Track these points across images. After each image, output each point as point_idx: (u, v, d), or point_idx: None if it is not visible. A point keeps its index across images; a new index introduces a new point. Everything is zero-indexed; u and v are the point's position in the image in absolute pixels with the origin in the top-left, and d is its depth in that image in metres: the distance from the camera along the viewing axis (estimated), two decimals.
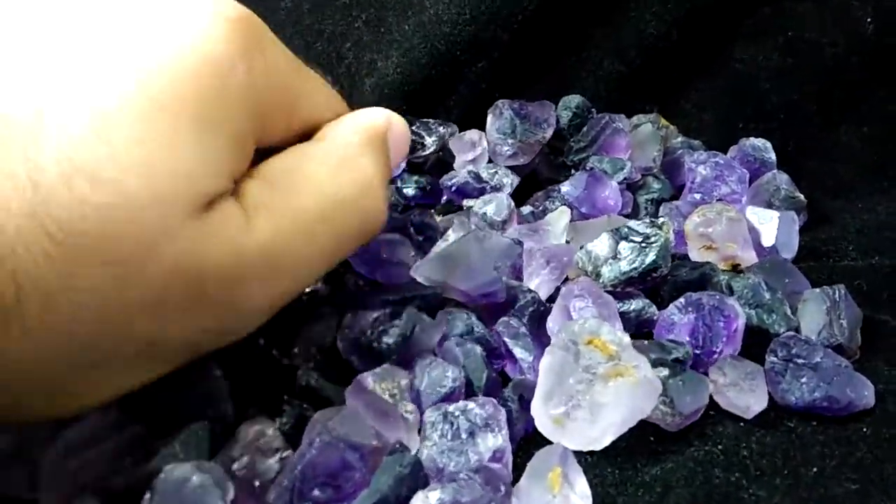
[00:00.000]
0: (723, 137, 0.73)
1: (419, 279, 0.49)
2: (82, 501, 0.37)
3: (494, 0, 0.71)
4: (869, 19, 0.70)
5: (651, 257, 0.50)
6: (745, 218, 0.58)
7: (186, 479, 0.37)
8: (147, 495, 0.36)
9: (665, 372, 0.44)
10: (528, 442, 0.44)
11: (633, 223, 0.52)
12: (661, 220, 0.53)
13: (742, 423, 0.45)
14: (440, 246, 0.53)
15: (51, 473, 0.39)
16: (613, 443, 0.42)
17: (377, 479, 0.38)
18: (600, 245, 0.52)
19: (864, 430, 0.43)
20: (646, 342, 0.47)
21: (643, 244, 0.51)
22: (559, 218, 0.62)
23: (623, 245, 0.51)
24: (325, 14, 0.75)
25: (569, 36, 0.75)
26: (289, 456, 0.40)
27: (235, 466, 0.39)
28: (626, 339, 0.42)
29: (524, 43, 0.74)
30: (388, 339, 0.44)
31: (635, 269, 0.50)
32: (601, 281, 0.50)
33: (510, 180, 0.69)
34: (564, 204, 0.65)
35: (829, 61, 0.72)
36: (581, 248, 0.53)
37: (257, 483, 0.39)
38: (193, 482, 0.37)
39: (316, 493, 0.37)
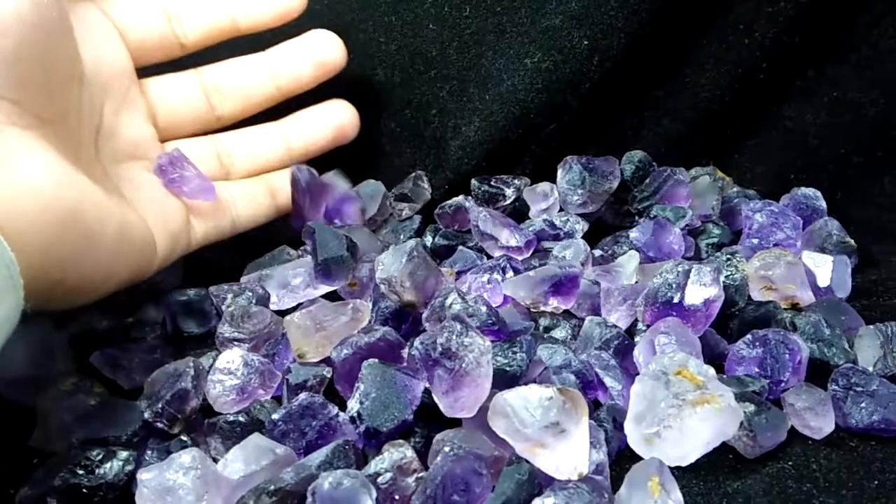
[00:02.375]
0: (775, 188, 0.80)
1: None
2: None
3: (565, 71, 0.80)
4: None
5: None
6: (801, 261, 0.65)
7: (339, 482, 0.44)
8: (308, 498, 0.44)
9: (751, 408, 0.50)
10: (620, 458, 0.51)
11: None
12: (737, 255, 0.59)
13: (810, 443, 0.51)
14: None
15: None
16: (697, 460, 0.49)
17: (500, 484, 0.45)
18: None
19: None
20: (724, 376, 0.54)
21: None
22: (629, 261, 0.70)
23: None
24: (413, 85, 0.84)
25: (630, 99, 0.83)
26: (424, 476, 0.47)
27: (380, 480, 0.47)
28: (711, 371, 0.49)
29: (590, 106, 0.82)
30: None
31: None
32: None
33: (581, 226, 0.77)
34: (632, 248, 0.72)
35: (870, 118, 0.79)
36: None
37: (397, 496, 0.47)
38: (345, 485, 0.44)
39: (455, 497, 0.45)
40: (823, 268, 0.65)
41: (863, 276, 0.71)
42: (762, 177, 0.83)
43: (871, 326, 0.57)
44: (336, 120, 0.79)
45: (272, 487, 0.46)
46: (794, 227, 0.71)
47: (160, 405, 0.53)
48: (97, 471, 0.51)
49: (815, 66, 0.80)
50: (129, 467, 0.51)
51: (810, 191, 0.76)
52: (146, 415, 0.54)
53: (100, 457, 0.51)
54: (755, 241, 0.71)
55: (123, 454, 0.52)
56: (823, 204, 0.75)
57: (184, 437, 0.54)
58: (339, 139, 0.79)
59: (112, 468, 0.51)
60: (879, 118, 0.78)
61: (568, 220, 0.78)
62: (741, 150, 0.84)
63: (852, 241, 0.71)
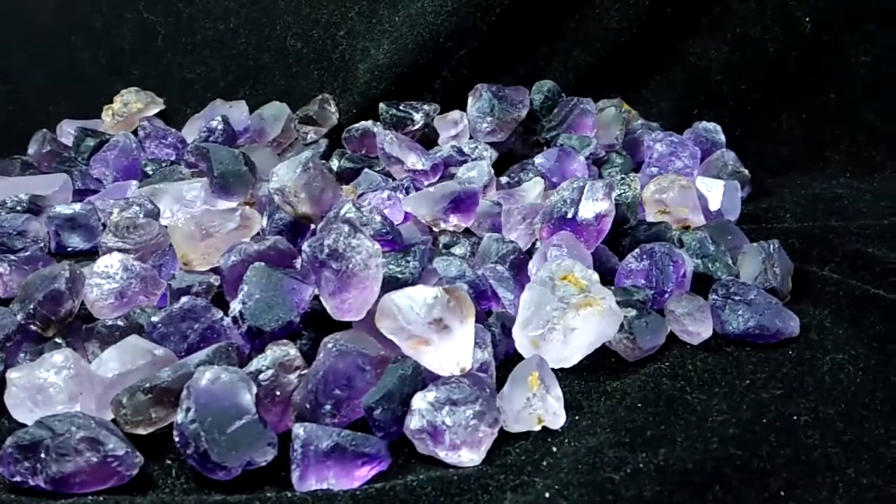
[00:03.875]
0: (679, 123, 0.81)
1: None
2: None
3: None
4: (807, 18, 0.80)
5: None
6: (694, 186, 0.66)
7: (217, 377, 0.43)
8: (184, 392, 0.43)
9: (633, 312, 0.51)
10: (508, 363, 0.52)
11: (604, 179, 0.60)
12: (630, 176, 0.60)
13: (688, 347, 0.53)
14: None
15: None
16: (580, 362, 0.50)
17: (383, 379, 0.45)
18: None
19: (790, 352, 0.52)
20: (611, 287, 0.55)
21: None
22: (534, 186, 0.70)
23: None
24: (321, 4, 0.82)
25: (541, 28, 0.83)
26: (306, 373, 0.46)
27: (261, 377, 0.46)
28: (595, 276, 0.50)
29: (501, 33, 0.82)
30: None
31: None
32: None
33: (489, 154, 0.77)
34: (538, 175, 0.72)
35: (770, 55, 0.81)
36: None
37: (279, 393, 0.46)
38: (223, 379, 0.43)
39: (336, 391, 0.45)
40: (715, 192, 0.66)
41: (755, 205, 0.73)
42: (667, 112, 0.84)
43: (755, 244, 0.59)
44: None
45: (147, 385, 0.45)
46: (691, 157, 0.72)
47: (32, 306, 0.51)
48: None
49: (720, 2, 0.82)
50: None
51: (710, 125, 0.78)
52: (18, 317, 0.51)
53: None
54: (654, 169, 0.73)
55: None
56: (723, 137, 0.77)
57: (58, 341, 0.51)
58: None
59: None
60: (779, 55, 0.81)
61: (476, 147, 0.77)
62: (647, 85, 0.85)
63: (746, 172, 0.73)
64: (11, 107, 0.89)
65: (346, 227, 0.50)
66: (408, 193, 0.68)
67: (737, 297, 0.54)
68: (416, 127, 0.79)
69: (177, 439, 0.42)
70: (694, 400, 0.47)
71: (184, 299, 0.51)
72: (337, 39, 0.83)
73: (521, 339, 0.51)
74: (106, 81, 0.88)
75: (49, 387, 0.47)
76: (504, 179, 0.74)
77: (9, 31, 0.89)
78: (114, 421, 0.45)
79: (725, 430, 0.43)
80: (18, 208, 0.68)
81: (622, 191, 0.61)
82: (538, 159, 0.72)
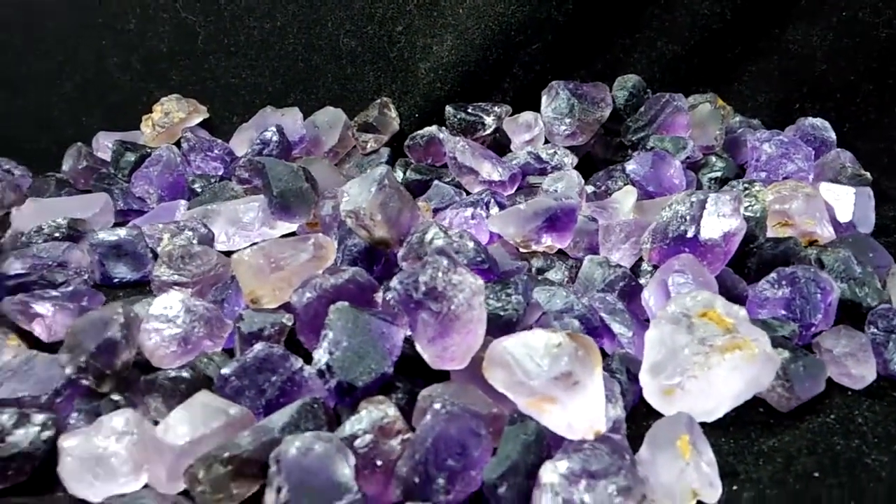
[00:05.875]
0: (778, 119, 0.73)
1: None
2: None
3: None
4: None
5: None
6: (820, 194, 0.58)
7: (310, 447, 0.36)
8: (272, 468, 0.36)
9: (786, 355, 0.43)
10: (633, 415, 0.44)
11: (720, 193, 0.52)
12: (756, 185, 0.53)
13: (849, 393, 0.45)
14: None
15: None
16: (723, 416, 0.42)
17: (503, 446, 0.38)
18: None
19: None
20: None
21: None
22: (626, 196, 0.62)
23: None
24: None
25: (622, 17, 0.75)
26: (411, 439, 0.39)
27: (357, 443, 0.39)
28: (743, 312, 0.42)
29: (578, 24, 0.74)
30: None
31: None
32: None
33: (570, 160, 0.70)
34: (629, 183, 0.65)
35: (882, 41, 0.72)
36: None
37: (379, 462, 0.39)
38: (317, 450, 0.36)
39: (449, 462, 0.37)
40: (844, 200, 0.58)
41: (878, 211, 0.65)
42: (764, 106, 0.76)
43: None
44: None
45: (226, 455, 0.38)
46: (805, 159, 0.64)
47: (84, 359, 0.44)
48: (8, 438, 0.42)
49: None
50: (47, 433, 0.43)
51: (818, 121, 0.70)
52: (68, 370, 0.44)
53: (11, 422, 0.43)
54: (763, 174, 0.65)
55: (40, 418, 0.43)
56: (833, 135, 0.69)
57: (115, 397, 0.45)
58: None
59: (27, 435, 0.43)
60: (892, 41, 0.72)
61: (555, 152, 0.70)
62: (741, 77, 0.76)
63: (868, 174, 0.65)
64: (39, 118, 0.83)
65: (445, 261, 0.43)
66: (490, 209, 0.60)
67: None
68: (488, 132, 0.72)
69: None
70: (875, 464, 0.39)
71: (257, 347, 0.44)
72: (395, 36, 0.76)
73: (653, 388, 0.43)
74: (142, 88, 0.81)
75: (110, 457, 0.41)
76: (589, 189, 0.67)
77: (31, 36, 0.83)
78: (185, 493, 0.39)
79: None
80: (57, 235, 0.61)
81: (749, 203, 0.53)
82: (630, 165, 0.65)
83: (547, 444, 0.39)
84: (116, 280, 0.59)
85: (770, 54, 0.75)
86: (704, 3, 0.74)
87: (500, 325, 0.46)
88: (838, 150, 0.66)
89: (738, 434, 0.42)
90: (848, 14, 0.73)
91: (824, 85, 0.74)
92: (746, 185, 0.55)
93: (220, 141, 0.75)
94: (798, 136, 0.69)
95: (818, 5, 0.74)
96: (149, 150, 0.73)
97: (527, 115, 0.73)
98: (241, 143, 0.75)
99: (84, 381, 0.45)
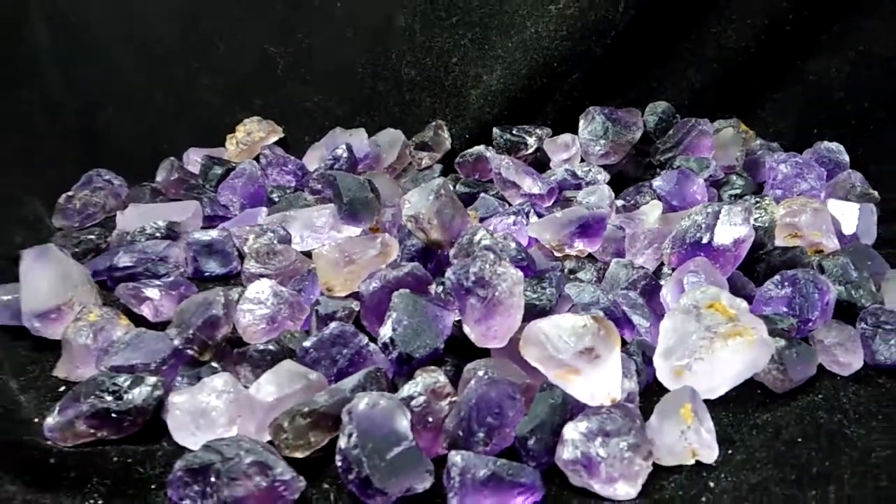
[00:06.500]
0: (797, 143, 0.80)
1: None
2: None
3: (589, 18, 0.79)
4: None
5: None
6: (827, 209, 0.65)
7: (376, 402, 0.44)
8: (345, 417, 0.44)
9: (782, 343, 0.50)
10: (647, 392, 0.51)
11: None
12: (766, 199, 0.59)
13: (838, 378, 0.51)
14: None
15: None
16: (725, 394, 0.49)
17: (534, 408, 0.46)
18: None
19: None
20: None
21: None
22: (652, 210, 0.70)
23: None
24: (434, 33, 0.84)
25: (655, 49, 0.83)
26: (457, 400, 0.47)
27: (413, 403, 0.47)
28: (744, 304, 0.49)
29: (614, 56, 0.82)
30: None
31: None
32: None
33: (603, 177, 0.77)
34: (655, 198, 0.72)
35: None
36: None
37: (431, 419, 0.47)
38: (382, 405, 0.44)
39: (489, 419, 0.45)
40: (849, 215, 0.65)
41: (886, 227, 0.71)
42: (785, 131, 0.83)
43: None
44: None
45: (306, 409, 0.46)
46: (818, 178, 0.71)
47: (191, 331, 0.53)
48: (125, 396, 0.50)
49: (841, 20, 0.80)
50: (157, 392, 0.51)
51: (833, 144, 0.76)
52: (176, 342, 0.54)
53: (127, 382, 0.51)
54: (779, 191, 0.71)
55: (152, 380, 0.51)
56: (846, 157, 0.75)
57: (214, 365, 0.54)
58: None
59: (140, 393, 0.50)
60: None
61: (590, 170, 0.78)
62: (764, 105, 0.83)
63: (876, 193, 0.71)
64: (137, 132, 0.92)
65: (492, 255, 0.51)
66: (529, 218, 0.68)
67: (888, 326, 0.52)
68: (530, 151, 0.80)
69: (339, 464, 0.43)
70: (853, 434, 0.45)
71: (333, 325, 0.52)
72: (450, 66, 0.84)
73: (664, 369, 0.50)
74: (227, 110, 0.91)
75: (211, 410, 0.49)
76: (619, 203, 0.74)
77: (135, 56, 0.92)
78: (271, 444, 0.47)
79: (892, 467, 0.42)
80: (157, 235, 0.71)
81: (759, 214, 0.60)
82: (657, 182, 0.72)
83: (571, 409, 0.46)
84: (207, 274, 0.69)
85: (791, 84, 0.82)
86: (731, 38, 0.81)
87: (535, 314, 0.54)
88: (850, 171, 0.73)
89: (736, 409, 0.49)
90: (864, 48, 0.80)
91: (841, 112, 0.80)
92: (757, 199, 0.62)
93: (293, 157, 0.85)
94: (814, 158, 0.75)
95: (837, 40, 0.80)
96: (233, 165, 0.83)
97: (565, 137, 0.80)
98: (312, 159, 0.85)
99: (189, 351, 0.54)
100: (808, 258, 0.60)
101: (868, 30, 0.79)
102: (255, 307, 0.55)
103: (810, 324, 0.54)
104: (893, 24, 0.78)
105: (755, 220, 0.60)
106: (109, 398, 0.50)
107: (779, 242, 0.65)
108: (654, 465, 0.44)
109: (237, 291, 0.59)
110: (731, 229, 0.57)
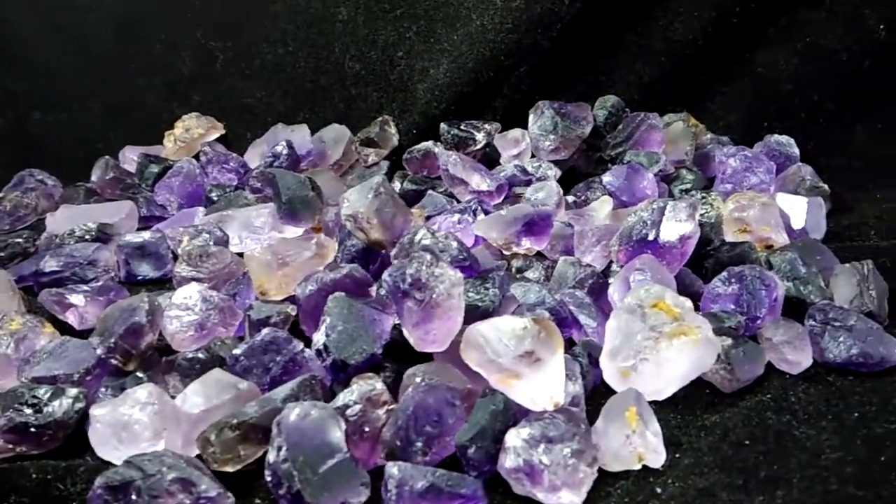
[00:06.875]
0: (747, 136, 0.79)
1: None
2: None
3: (535, 11, 0.77)
4: (882, 26, 0.77)
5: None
6: (776, 203, 0.64)
7: (307, 413, 0.42)
8: (274, 429, 0.42)
9: (728, 341, 0.49)
10: (595, 395, 0.50)
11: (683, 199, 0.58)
12: (712, 194, 0.58)
13: (787, 377, 0.50)
14: None
15: None
16: (673, 395, 0.48)
17: (474, 415, 0.44)
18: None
19: None
20: (700, 314, 0.53)
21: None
22: (602, 206, 0.68)
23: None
24: (378, 25, 0.81)
25: (603, 42, 0.82)
26: (395, 409, 0.45)
27: (349, 412, 0.45)
28: (689, 303, 0.48)
29: (562, 49, 0.80)
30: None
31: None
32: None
33: (553, 172, 0.75)
34: (606, 193, 0.71)
35: (843, 64, 0.78)
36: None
37: (367, 429, 0.45)
38: (313, 415, 0.42)
39: (427, 428, 0.43)
40: (798, 209, 0.64)
41: (835, 220, 0.70)
42: (734, 125, 0.82)
43: (847, 265, 0.56)
44: None
45: (235, 421, 0.44)
46: (767, 172, 0.70)
47: (113, 340, 0.50)
48: (45, 409, 0.48)
49: (788, 12, 0.79)
50: (79, 405, 0.48)
51: (783, 138, 0.75)
52: (98, 351, 0.51)
53: (48, 395, 0.48)
54: (729, 186, 0.70)
55: (73, 391, 0.49)
56: (797, 151, 0.75)
57: (139, 375, 0.51)
58: None
59: (61, 406, 0.48)
60: (853, 64, 0.78)
61: (540, 165, 0.76)
62: (713, 98, 0.83)
63: (826, 187, 0.70)
64: (72, 133, 0.90)
65: (428, 256, 0.49)
66: (476, 216, 0.66)
67: (836, 324, 0.51)
68: (479, 147, 0.78)
69: (269, 479, 0.41)
70: (802, 435, 0.44)
71: (265, 331, 0.50)
72: (395, 60, 0.82)
73: (610, 370, 0.49)
74: (165, 107, 0.88)
75: (134, 423, 0.46)
76: (570, 199, 0.73)
77: (68, 58, 0.90)
78: (199, 457, 0.45)
79: (842, 469, 0.41)
80: (87, 237, 0.68)
81: (705, 210, 0.59)
82: (606, 177, 0.71)
83: (513, 414, 0.45)
84: (140, 277, 0.65)
85: (740, 77, 0.81)
86: (678, 30, 0.80)
87: (477, 316, 0.52)
88: (799, 165, 0.72)
89: (684, 410, 0.48)
90: (812, 40, 0.79)
91: (790, 105, 0.80)
92: (704, 195, 0.60)
93: (235, 155, 0.81)
94: (764, 152, 0.75)
95: (785, 32, 0.80)
96: (170, 163, 0.80)
97: (515, 132, 0.79)
98: (254, 157, 0.82)
99: (112, 361, 0.51)
100: (756, 254, 0.59)
101: (815, 22, 0.79)
102: (183, 313, 0.52)
103: (758, 321, 0.53)
104: (840, 16, 0.78)
105: (701, 215, 0.59)
106: (28, 411, 0.48)
107: (729, 238, 0.64)
108: (600, 470, 0.43)
109: (168, 297, 0.56)
110: (677, 226, 0.56)
